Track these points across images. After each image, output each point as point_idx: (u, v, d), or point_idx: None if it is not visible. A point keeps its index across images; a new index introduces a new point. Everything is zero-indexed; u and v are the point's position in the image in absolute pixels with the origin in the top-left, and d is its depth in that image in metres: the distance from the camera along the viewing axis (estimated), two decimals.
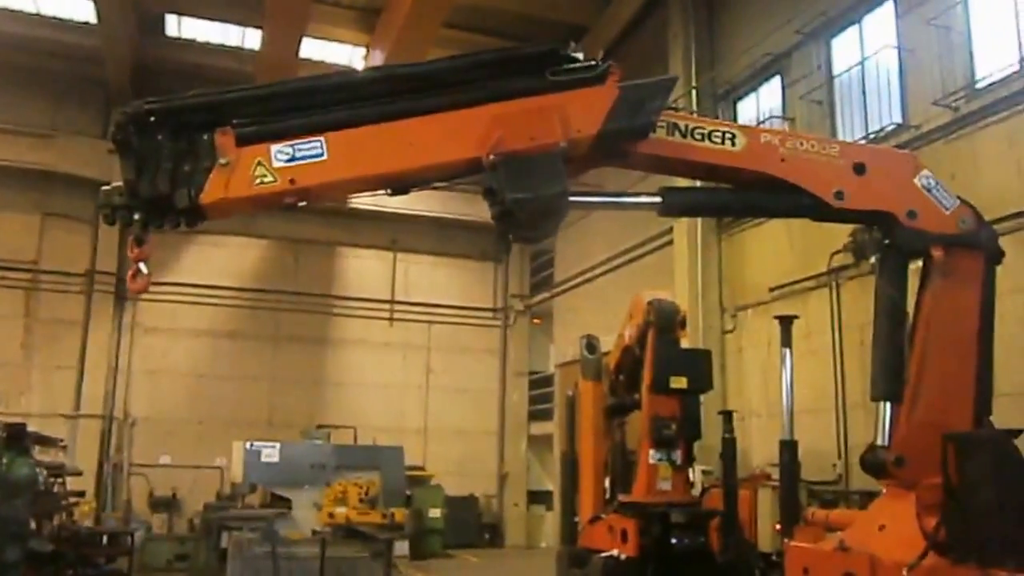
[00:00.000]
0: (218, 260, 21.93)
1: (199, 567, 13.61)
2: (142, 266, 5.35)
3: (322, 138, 5.33)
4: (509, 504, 23.91)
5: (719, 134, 6.53)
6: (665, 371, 9.70)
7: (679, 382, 9.63)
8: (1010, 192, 10.59)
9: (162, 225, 5.39)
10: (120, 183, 5.26)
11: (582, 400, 11.32)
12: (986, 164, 11.17)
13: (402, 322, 23.65)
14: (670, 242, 16.98)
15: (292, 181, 5.27)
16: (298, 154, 5.27)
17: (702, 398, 10.17)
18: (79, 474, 15.03)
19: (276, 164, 5.24)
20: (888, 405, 6.75)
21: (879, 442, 6.74)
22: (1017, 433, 6.01)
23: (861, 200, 6.69)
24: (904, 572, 5.81)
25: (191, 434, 20.41)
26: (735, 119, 16.50)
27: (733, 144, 6.53)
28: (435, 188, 21.19)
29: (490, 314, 24.94)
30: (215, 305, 21.65)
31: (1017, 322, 10.08)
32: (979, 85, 11.51)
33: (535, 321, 25.28)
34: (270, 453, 15.14)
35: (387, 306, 23.37)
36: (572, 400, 11.75)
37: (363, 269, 23.56)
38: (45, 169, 20.24)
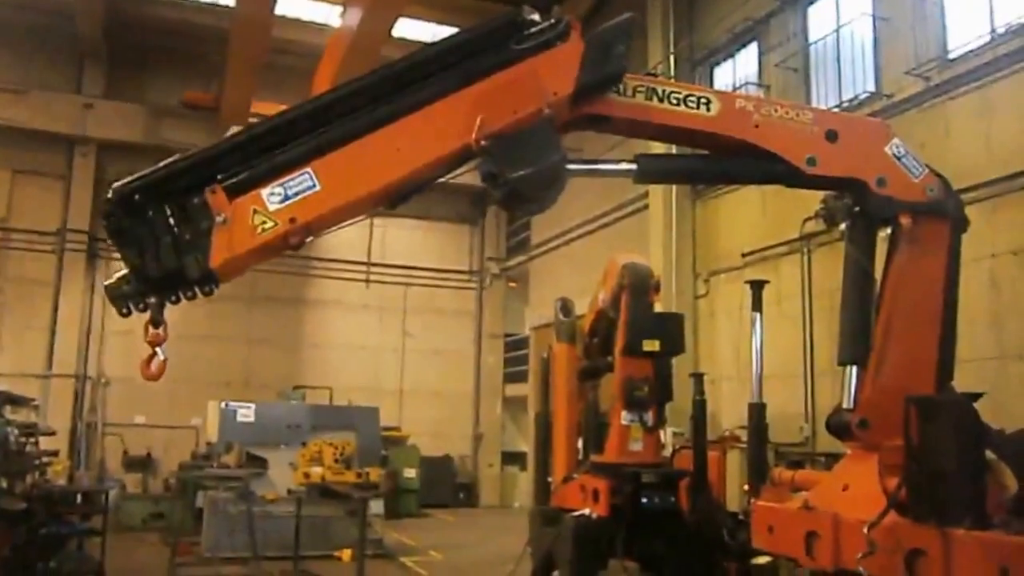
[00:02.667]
0: None
1: (174, 526, 13.66)
2: (159, 350, 5.23)
3: (309, 169, 5.21)
4: (483, 464, 24.16)
5: (694, 99, 6.57)
6: (638, 334, 9.78)
7: (652, 345, 9.71)
8: (978, 162, 10.74)
9: (178, 300, 5.25)
10: (124, 272, 5.14)
11: (556, 362, 11.41)
12: (956, 134, 11.30)
13: (379, 284, 23.65)
14: (646, 207, 17.08)
15: (292, 220, 5.14)
16: (290, 192, 5.16)
17: (674, 361, 10.28)
18: (52, 434, 14.98)
19: (272, 208, 5.11)
20: (854, 369, 6.90)
21: (844, 405, 6.89)
22: (977, 397, 6.15)
23: (833, 167, 6.78)
24: (865, 530, 5.98)
25: (166, 394, 20.35)
26: (711, 85, 16.53)
27: (708, 109, 6.57)
28: None
29: (466, 277, 25.00)
30: None
31: (980, 290, 10.29)
32: (951, 56, 11.62)
33: (511, 284, 25.37)
34: (246, 413, 15.17)
35: (363, 268, 23.37)
36: (546, 362, 11.84)
37: (339, 231, 23.31)
38: (15, 126, 19.93)
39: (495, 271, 25.07)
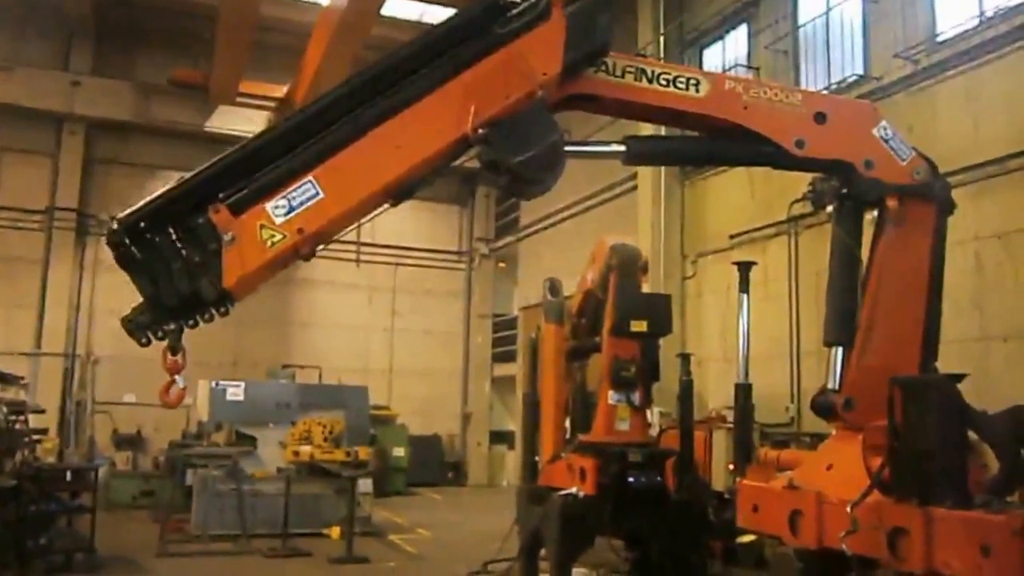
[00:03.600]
0: None
1: (164, 504, 13.70)
2: (179, 378, 5.23)
3: (311, 177, 5.20)
4: (472, 443, 24.26)
5: (683, 80, 6.60)
6: (626, 315, 9.83)
7: (639, 326, 9.76)
8: (965, 145, 10.80)
9: (196, 324, 5.28)
10: (139, 303, 5.15)
11: (544, 343, 11.46)
12: (943, 117, 11.36)
13: (368, 264, 23.63)
14: (634, 188, 17.10)
15: (300, 231, 5.14)
16: (295, 203, 5.15)
17: (661, 342, 10.34)
18: (41, 412, 14.99)
19: (279, 220, 5.11)
20: (840, 350, 6.98)
21: (830, 385, 6.98)
22: (960, 378, 6.23)
23: (821, 149, 6.83)
24: (848, 509, 6.07)
25: (156, 373, 20.05)
26: (701, 66, 16.54)
27: (697, 90, 6.61)
28: None
29: (455, 257, 25.02)
30: None
31: (964, 273, 10.38)
32: (940, 39, 11.66)
33: (500, 264, 25.39)
34: (235, 392, 15.17)
35: (354, 248, 23.31)
36: (535, 342, 11.90)
37: None
38: (2, 102, 19.76)
39: (484, 252, 25.09)
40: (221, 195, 5.17)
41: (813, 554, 6.52)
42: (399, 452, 20.56)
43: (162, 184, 19.19)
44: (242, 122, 21.14)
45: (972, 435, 6.27)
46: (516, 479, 15.41)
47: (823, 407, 7.04)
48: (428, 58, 5.66)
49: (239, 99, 20.91)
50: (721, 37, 16.16)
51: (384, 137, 5.39)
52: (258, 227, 5.10)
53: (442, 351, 24.43)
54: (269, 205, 5.14)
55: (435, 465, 22.94)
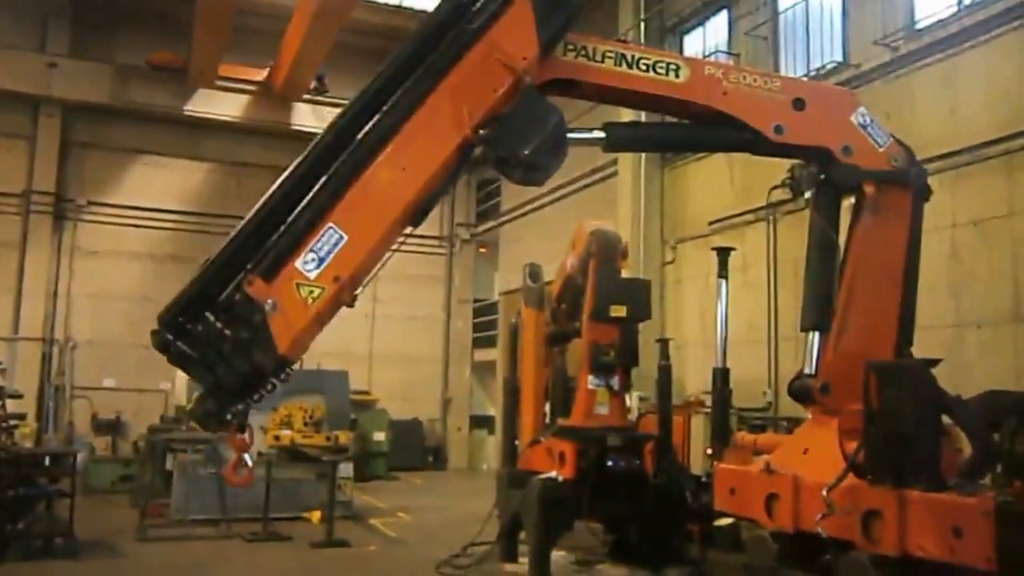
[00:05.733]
0: (161, 183, 21.49)
1: (144, 488, 13.67)
2: (247, 457, 5.23)
3: (330, 223, 5.19)
4: (452, 428, 24.30)
5: (663, 65, 6.62)
6: (605, 300, 9.87)
7: (618, 311, 9.81)
8: (943, 133, 10.89)
9: (261, 398, 5.27)
10: (196, 397, 5.18)
11: (524, 328, 11.51)
12: (921, 104, 11.43)
13: None
14: (615, 174, 17.13)
15: (337, 279, 5.15)
16: (323, 253, 5.14)
17: (640, 327, 10.40)
18: (19, 396, 14.89)
19: (312, 275, 5.12)
20: (816, 335, 7.06)
21: (806, 370, 7.06)
22: (935, 363, 6.31)
23: (799, 135, 6.88)
24: (824, 492, 6.15)
25: (135, 358, 20.16)
26: (682, 52, 16.54)
27: (677, 75, 6.63)
28: None
29: (436, 242, 24.96)
30: (158, 228, 21.28)
31: (940, 259, 10.48)
32: (918, 26, 11.72)
33: (481, 250, 25.38)
34: None
35: None
36: (515, 327, 11.93)
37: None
38: None
39: (465, 237, 25.07)
40: (249, 267, 5.17)
41: (789, 537, 6.61)
42: (380, 437, 20.56)
43: (140, 168, 19.01)
44: (222, 105, 21.02)
45: (946, 419, 6.37)
46: (496, 463, 15.48)
47: (800, 391, 7.12)
48: (407, 73, 5.61)
49: (218, 82, 20.72)
50: (702, 23, 16.18)
51: (388, 163, 5.36)
52: (295, 287, 5.10)
53: (423, 336, 24.41)
54: (299, 263, 5.13)
55: (415, 449, 22.97)
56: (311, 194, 5.37)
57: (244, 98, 21.24)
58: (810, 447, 6.97)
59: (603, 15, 16.81)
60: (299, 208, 5.35)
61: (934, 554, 5.53)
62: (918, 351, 7.05)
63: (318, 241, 5.18)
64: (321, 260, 5.15)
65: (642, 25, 16.38)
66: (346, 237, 5.20)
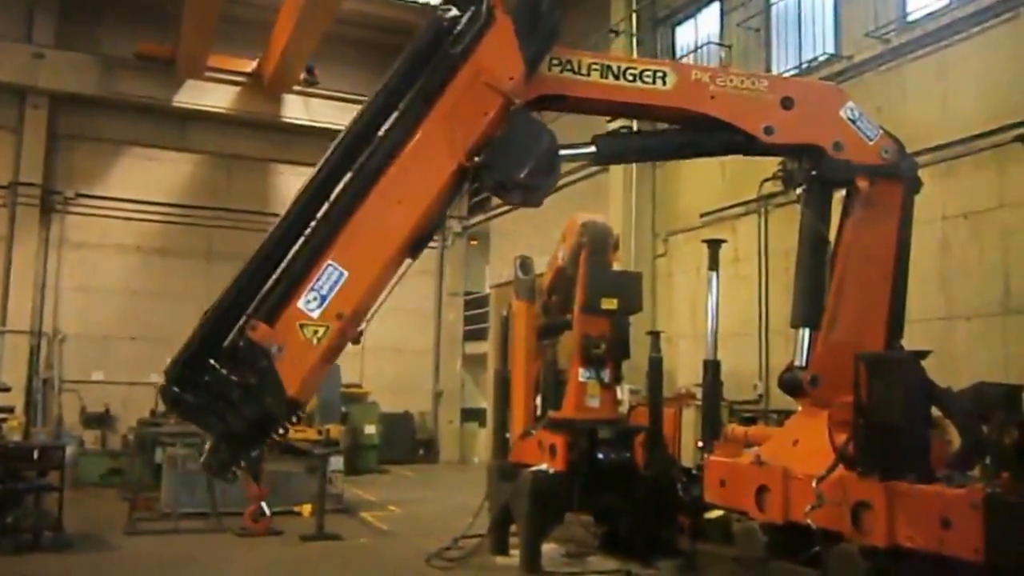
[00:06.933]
0: (149, 175, 21.34)
1: (133, 482, 13.62)
2: (264, 505, 5.18)
3: (329, 261, 5.16)
4: (443, 421, 24.29)
5: (650, 73, 6.61)
6: (596, 292, 9.88)
7: (610, 303, 9.82)
8: (934, 125, 10.89)
9: (275, 442, 5.29)
10: (208, 447, 5.14)
11: (515, 320, 11.50)
12: (913, 97, 11.44)
13: None
14: (606, 167, 17.08)
15: (340, 316, 5.11)
16: (324, 291, 5.12)
17: (632, 319, 10.40)
18: (7, 390, 14.81)
19: (315, 314, 5.08)
20: (807, 330, 7.06)
21: (797, 363, 7.06)
22: (924, 355, 6.33)
23: (790, 134, 6.88)
24: (814, 484, 6.17)
25: (124, 351, 20.15)
26: (673, 44, 16.55)
27: (664, 83, 6.62)
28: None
29: None
30: (147, 221, 21.13)
31: (931, 252, 10.50)
32: (910, 18, 11.73)
33: (472, 242, 25.34)
34: None
35: None
36: (506, 320, 11.93)
37: (297, 186, 22.68)
38: None
39: (456, 229, 25.00)
40: (249, 312, 5.14)
41: (779, 528, 6.63)
42: (371, 430, 20.54)
43: (129, 160, 18.90)
44: (210, 97, 20.89)
45: (936, 411, 6.38)
46: (487, 456, 15.47)
47: (790, 383, 7.14)
48: (395, 104, 5.56)
49: (207, 73, 20.59)
50: (693, 15, 16.14)
51: (384, 197, 5.31)
52: (299, 328, 5.06)
53: (414, 329, 24.35)
54: (301, 303, 5.10)
55: (407, 443, 22.96)
56: (308, 232, 5.33)
57: (233, 89, 21.10)
58: (800, 439, 6.99)
59: (595, 7, 16.78)
60: (297, 247, 5.31)
61: (923, 545, 5.55)
62: (908, 343, 7.07)
63: (319, 280, 5.15)
64: (323, 298, 5.12)
65: (634, 16, 16.34)
66: (346, 274, 5.18)
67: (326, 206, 5.40)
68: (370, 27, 21.26)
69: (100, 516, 12.78)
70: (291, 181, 22.90)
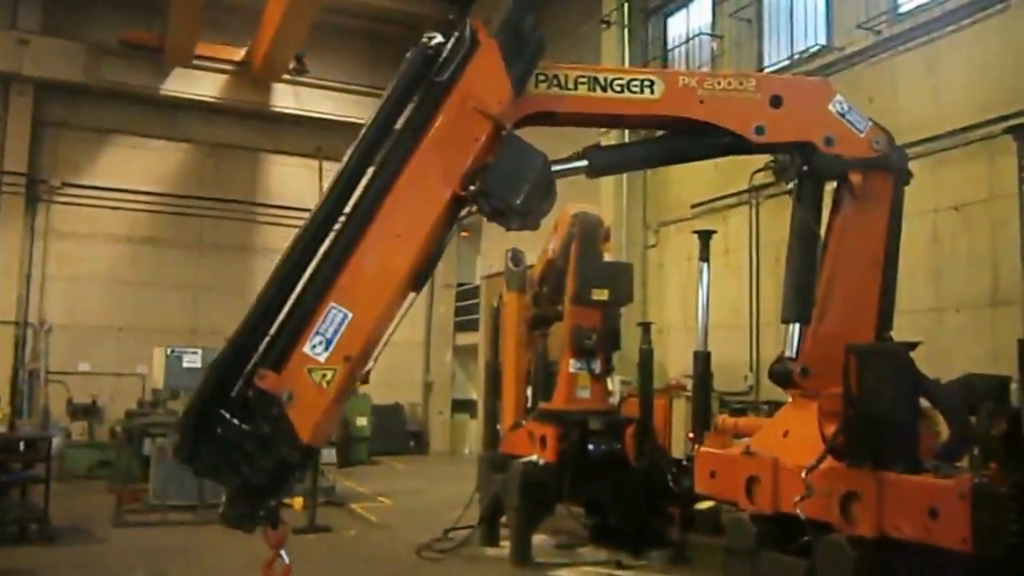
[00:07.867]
0: (137, 164, 21.16)
1: (121, 474, 13.56)
2: (283, 554, 5.12)
3: (332, 303, 5.11)
4: (434, 412, 24.27)
5: (637, 83, 6.59)
6: (587, 283, 9.87)
7: (600, 294, 9.81)
8: (926, 117, 10.88)
9: (292, 490, 5.20)
10: (225, 498, 5.13)
11: (506, 311, 11.48)
12: (904, 88, 11.43)
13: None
14: None
15: (347, 358, 5.07)
16: (329, 334, 5.06)
17: (623, 310, 10.39)
18: None
19: (323, 358, 5.03)
20: (797, 324, 7.07)
21: (787, 354, 7.07)
22: (914, 347, 6.34)
23: (781, 132, 6.87)
24: (803, 475, 6.18)
25: (111, 341, 20.05)
26: (665, 35, 16.51)
27: (652, 91, 6.60)
28: (360, 94, 20.81)
29: None
30: (135, 210, 20.96)
31: (921, 243, 10.51)
32: (902, 9, 11.71)
33: (463, 234, 25.25)
34: (192, 359, 14.96)
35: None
36: (497, 311, 11.91)
37: (287, 176, 22.94)
38: None
39: None
40: (255, 360, 5.10)
41: (768, 519, 6.64)
42: (361, 422, 20.48)
43: (116, 148, 18.74)
44: (199, 85, 20.75)
45: (924, 402, 6.40)
46: (478, 447, 15.47)
47: (780, 375, 7.14)
48: (385, 136, 5.50)
49: (195, 61, 20.44)
50: (685, 5, 16.10)
51: (381, 233, 5.26)
52: (307, 373, 5.01)
53: (404, 320, 24.25)
54: (307, 348, 5.04)
55: (397, 434, 22.93)
56: (308, 276, 5.27)
57: (222, 78, 20.95)
58: (790, 430, 7.00)
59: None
60: (298, 291, 5.25)
61: (911, 535, 5.57)
62: (898, 335, 7.08)
63: (323, 323, 5.09)
64: (329, 342, 5.06)
65: (626, 7, 16.29)
66: (350, 314, 5.12)
67: (327, 247, 5.33)
68: (360, 16, 21.16)
69: (87, 508, 12.72)
70: (280, 171, 22.86)
